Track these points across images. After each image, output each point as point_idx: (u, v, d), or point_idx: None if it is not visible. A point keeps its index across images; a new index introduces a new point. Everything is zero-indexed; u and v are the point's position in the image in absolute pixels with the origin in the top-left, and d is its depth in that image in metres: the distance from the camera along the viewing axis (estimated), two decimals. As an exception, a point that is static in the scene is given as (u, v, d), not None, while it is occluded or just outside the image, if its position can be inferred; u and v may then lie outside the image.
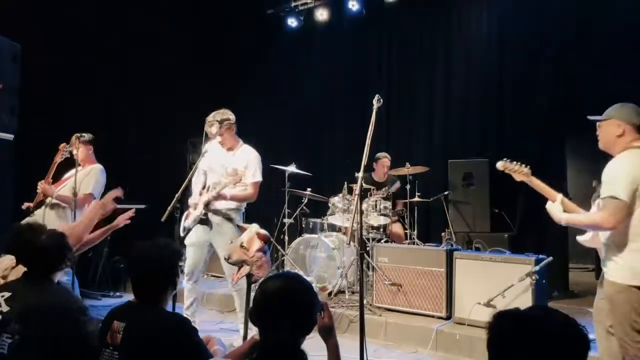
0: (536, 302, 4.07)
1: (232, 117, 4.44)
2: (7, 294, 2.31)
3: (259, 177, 4.40)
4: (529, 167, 3.18)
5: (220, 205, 4.27)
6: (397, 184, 6.35)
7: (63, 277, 2.70)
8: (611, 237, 2.80)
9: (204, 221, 4.25)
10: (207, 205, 4.24)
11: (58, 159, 4.72)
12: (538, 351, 1.24)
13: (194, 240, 4.35)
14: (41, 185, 4.56)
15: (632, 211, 2.70)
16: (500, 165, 3.23)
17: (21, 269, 2.63)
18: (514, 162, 3.20)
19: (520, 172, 3.18)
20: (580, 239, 3.17)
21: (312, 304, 1.87)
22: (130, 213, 3.62)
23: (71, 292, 2.52)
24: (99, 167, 4.86)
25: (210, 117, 4.41)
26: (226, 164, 4.39)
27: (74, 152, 4.62)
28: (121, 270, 5.67)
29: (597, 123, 2.95)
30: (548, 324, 1.28)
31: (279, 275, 2.20)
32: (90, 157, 4.83)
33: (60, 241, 2.60)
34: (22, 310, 2.22)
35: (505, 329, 1.31)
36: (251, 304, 1.92)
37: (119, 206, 3.73)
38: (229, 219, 4.28)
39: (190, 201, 4.44)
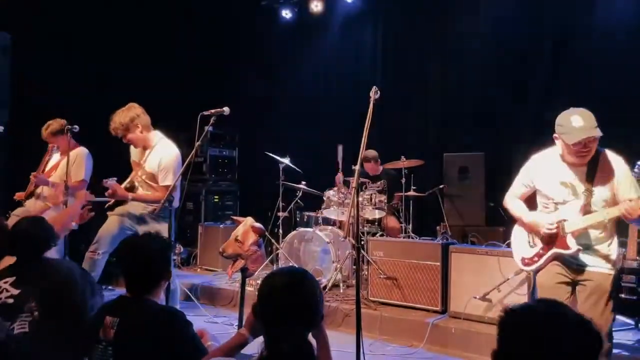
0: (532, 296, 4.05)
1: (127, 119, 4.07)
2: (10, 279, 2.32)
3: (168, 181, 4.00)
4: None
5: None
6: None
7: (55, 255, 2.73)
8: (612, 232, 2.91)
9: (110, 208, 4.26)
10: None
11: (47, 157, 4.76)
12: (550, 348, 1.21)
13: (114, 213, 4.26)
14: (34, 177, 4.60)
15: None
16: None
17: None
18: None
19: None
20: (528, 269, 3.13)
21: (319, 298, 1.88)
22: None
23: (69, 262, 2.58)
24: (84, 151, 4.81)
25: (113, 121, 4.13)
26: (143, 164, 4.21)
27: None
28: (112, 265, 5.62)
29: (597, 137, 2.85)
30: (560, 320, 1.25)
31: (285, 270, 2.18)
32: (72, 143, 4.65)
33: (41, 224, 2.68)
34: (38, 288, 2.29)
35: (516, 325, 1.28)
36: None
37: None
38: (143, 214, 4.15)
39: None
